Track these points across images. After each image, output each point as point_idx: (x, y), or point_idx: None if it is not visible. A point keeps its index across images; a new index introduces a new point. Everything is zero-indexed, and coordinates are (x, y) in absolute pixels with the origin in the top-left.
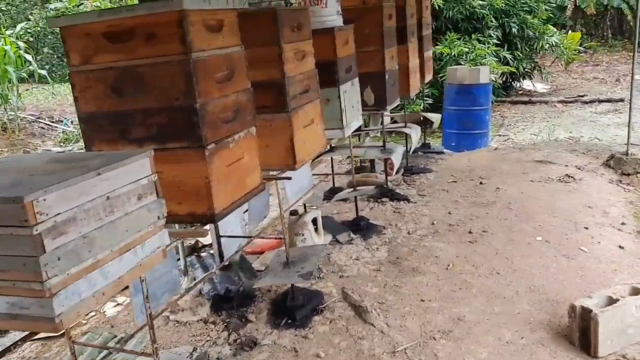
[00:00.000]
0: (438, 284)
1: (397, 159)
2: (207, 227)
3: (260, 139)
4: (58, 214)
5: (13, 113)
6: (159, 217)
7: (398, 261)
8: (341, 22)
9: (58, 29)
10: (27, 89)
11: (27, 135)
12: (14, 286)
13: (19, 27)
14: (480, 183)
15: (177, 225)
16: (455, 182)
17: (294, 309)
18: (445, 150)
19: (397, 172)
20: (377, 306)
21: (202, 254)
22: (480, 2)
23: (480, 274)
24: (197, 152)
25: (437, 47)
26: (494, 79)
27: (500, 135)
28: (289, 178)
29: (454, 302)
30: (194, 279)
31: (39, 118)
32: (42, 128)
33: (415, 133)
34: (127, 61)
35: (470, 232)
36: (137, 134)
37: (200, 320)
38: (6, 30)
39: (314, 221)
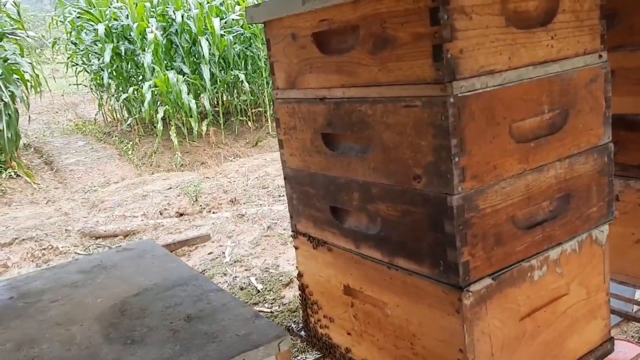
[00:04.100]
0: None
1: None
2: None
3: (620, 226)
4: None
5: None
6: None
7: None
8: None
9: (262, 25)
10: None
11: None
12: None
13: None
14: None
15: None
16: None
17: None
18: None
19: None
20: None
21: None
22: None
23: None
24: (446, 294)
25: None
26: None
27: None
28: None
29: None
30: None
31: None
32: None
33: None
34: (345, 89)
35: None
36: (353, 223)
37: None
38: None
39: None
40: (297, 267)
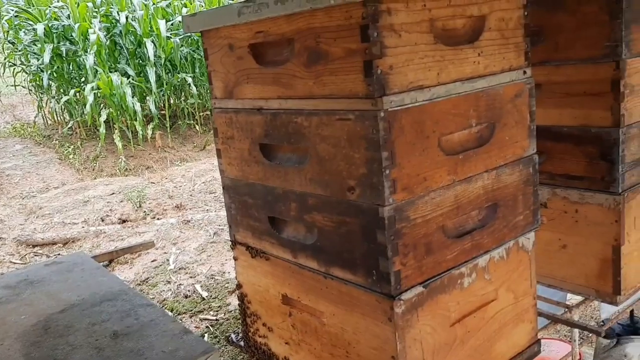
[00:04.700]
0: None
1: None
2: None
3: (548, 232)
4: None
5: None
6: None
7: None
8: None
9: (199, 34)
10: None
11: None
12: None
13: None
14: None
15: None
16: None
17: None
18: None
19: None
20: None
21: None
22: None
23: None
24: (378, 302)
25: None
26: None
27: None
28: (598, 333)
29: None
30: None
31: None
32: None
33: None
34: (281, 100)
35: None
36: (291, 233)
37: None
38: None
39: None
40: (236, 277)
